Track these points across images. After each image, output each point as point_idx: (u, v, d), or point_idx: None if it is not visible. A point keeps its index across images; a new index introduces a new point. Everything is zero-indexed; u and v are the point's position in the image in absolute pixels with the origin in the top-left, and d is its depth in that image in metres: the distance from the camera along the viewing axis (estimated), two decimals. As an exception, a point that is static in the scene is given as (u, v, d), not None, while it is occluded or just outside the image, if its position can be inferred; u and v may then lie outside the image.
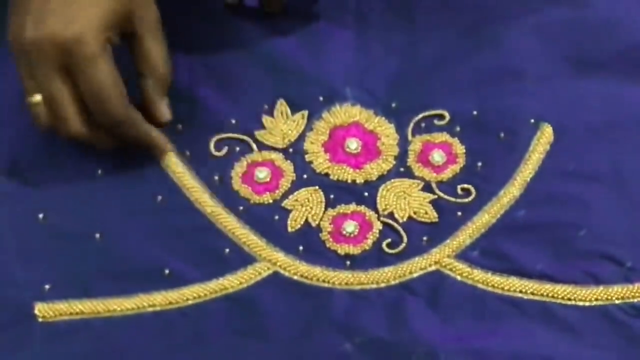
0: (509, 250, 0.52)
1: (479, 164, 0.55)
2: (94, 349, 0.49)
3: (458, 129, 0.57)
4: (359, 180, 0.55)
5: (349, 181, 0.55)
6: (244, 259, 0.52)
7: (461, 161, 0.55)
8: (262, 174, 0.55)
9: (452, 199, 0.54)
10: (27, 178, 0.55)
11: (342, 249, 0.52)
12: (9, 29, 0.51)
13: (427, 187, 0.55)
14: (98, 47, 0.50)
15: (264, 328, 0.49)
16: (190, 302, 0.51)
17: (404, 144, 0.56)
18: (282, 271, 0.52)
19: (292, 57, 0.60)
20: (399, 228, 0.53)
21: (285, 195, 0.54)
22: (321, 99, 0.58)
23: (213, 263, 0.52)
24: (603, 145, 0.55)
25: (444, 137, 0.56)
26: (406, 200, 0.54)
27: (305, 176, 0.55)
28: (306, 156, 0.56)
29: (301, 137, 0.57)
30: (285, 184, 0.55)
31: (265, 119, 0.57)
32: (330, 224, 0.53)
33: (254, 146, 0.56)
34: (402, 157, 0.56)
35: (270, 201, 0.54)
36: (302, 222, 0.53)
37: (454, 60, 0.59)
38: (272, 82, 0.59)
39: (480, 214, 0.53)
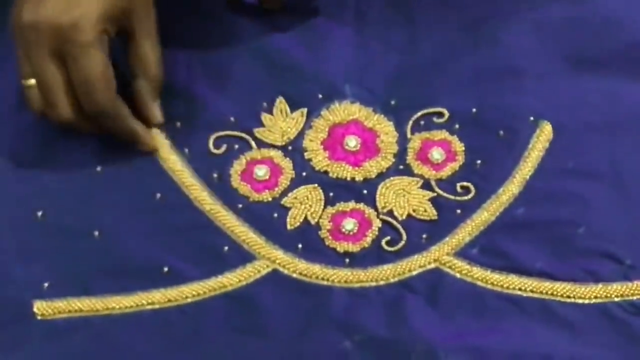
0: (508, 248, 0.52)
1: (478, 161, 0.55)
2: (93, 347, 0.49)
3: (457, 126, 0.57)
4: (358, 178, 0.55)
5: (348, 179, 0.55)
6: (243, 256, 0.52)
7: (460, 159, 0.55)
8: (261, 171, 0.55)
9: (452, 197, 0.54)
10: (25, 175, 0.55)
11: (342, 246, 0.52)
12: (12, 12, 0.52)
13: (426, 185, 0.55)
14: (93, 35, 0.51)
15: (263, 326, 0.49)
16: (189, 300, 0.50)
17: (403, 141, 0.56)
18: (281, 269, 0.52)
19: (291, 54, 0.60)
20: (398, 226, 0.53)
21: (284, 193, 0.54)
22: (320, 96, 0.58)
23: (212, 261, 0.52)
24: (602, 143, 0.55)
25: (443, 134, 0.56)
26: (405, 198, 0.54)
27: (304, 174, 0.55)
28: (305, 154, 0.56)
29: (300, 135, 0.57)
30: (284, 181, 0.55)
31: (264, 117, 0.57)
32: (329, 221, 0.53)
33: (253, 144, 0.56)
34: (401, 154, 0.56)
35: (270, 199, 0.54)
36: (301, 220, 0.53)
37: (453, 58, 0.59)
38: (271, 80, 0.58)
39: (479, 212, 0.53)
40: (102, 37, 0.51)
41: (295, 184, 0.55)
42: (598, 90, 0.58)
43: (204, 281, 0.51)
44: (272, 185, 0.55)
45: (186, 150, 0.56)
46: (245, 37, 0.60)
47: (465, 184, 0.54)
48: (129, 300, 0.50)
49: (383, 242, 0.52)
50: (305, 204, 0.54)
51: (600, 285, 0.50)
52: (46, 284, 0.51)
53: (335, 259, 0.52)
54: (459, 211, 0.53)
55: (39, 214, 0.53)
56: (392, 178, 0.55)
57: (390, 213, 0.54)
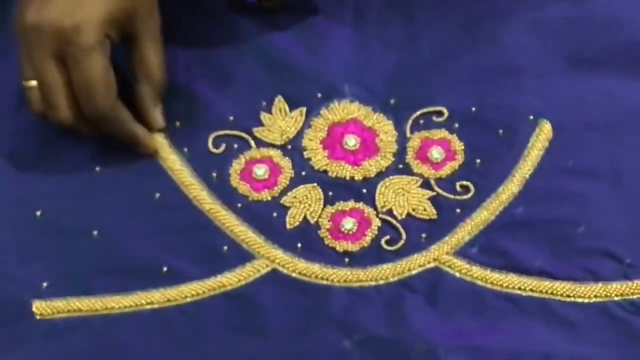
0: (507, 247, 0.52)
1: (478, 160, 0.55)
2: (92, 347, 0.49)
3: (457, 125, 0.57)
4: (358, 177, 0.55)
5: (348, 178, 0.55)
6: (243, 256, 0.52)
7: (460, 158, 0.55)
8: (261, 170, 0.55)
9: (451, 196, 0.54)
10: (24, 175, 0.55)
11: (341, 246, 0.52)
12: (16, 13, 0.52)
13: (425, 184, 0.55)
14: (95, 39, 0.50)
15: (262, 325, 0.49)
16: (188, 299, 0.50)
17: (402, 140, 0.56)
18: (280, 268, 0.52)
19: (291, 53, 0.59)
20: (398, 225, 0.53)
21: (283, 192, 0.54)
22: (319, 95, 0.58)
23: (211, 260, 0.52)
24: (602, 142, 0.55)
25: (442, 133, 0.56)
26: (405, 197, 0.54)
27: (303, 173, 0.55)
28: (304, 153, 0.56)
29: (299, 134, 0.57)
30: (283, 181, 0.55)
31: (264, 116, 0.57)
32: (328, 221, 0.53)
33: (252, 143, 0.56)
34: (400, 153, 0.56)
35: (269, 198, 0.54)
36: (300, 219, 0.53)
37: (452, 57, 0.59)
38: (270, 79, 0.58)
39: (479, 211, 0.53)
40: (104, 41, 0.51)
41: (294, 183, 0.55)
42: (597, 89, 0.58)
43: (203, 281, 0.51)
44: (272, 184, 0.55)
45: (185, 149, 0.56)
46: (244, 36, 0.60)
47: (464, 183, 0.54)
48: (128, 300, 0.50)
49: (382, 242, 0.52)
50: (305, 203, 0.54)
51: (600, 285, 0.50)
52: (45, 284, 0.51)
53: (335, 258, 0.52)
54: (458, 210, 0.53)
55: (38, 213, 0.53)
56: (391, 177, 0.55)
57: (389, 212, 0.54)
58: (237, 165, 0.55)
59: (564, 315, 0.50)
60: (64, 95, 0.52)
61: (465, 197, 0.54)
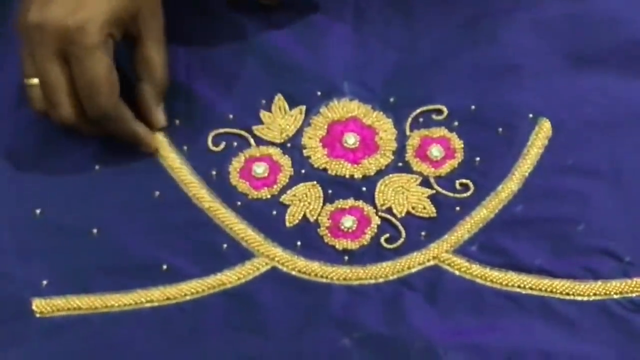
0: (507, 245, 0.52)
1: (477, 159, 0.55)
2: (92, 345, 0.49)
3: (456, 123, 0.57)
4: (357, 175, 0.55)
5: (347, 176, 0.55)
6: (242, 254, 0.52)
7: (459, 156, 0.55)
8: (260, 169, 0.55)
9: (451, 194, 0.54)
10: (24, 173, 0.55)
11: (341, 244, 0.52)
12: (18, 12, 0.52)
13: (425, 182, 0.55)
14: (98, 39, 0.50)
15: (262, 323, 0.49)
16: (188, 297, 0.50)
17: (402, 138, 0.56)
18: (280, 266, 0.52)
19: (290, 52, 0.59)
20: (397, 223, 0.53)
21: (283, 191, 0.54)
22: (319, 94, 0.58)
23: (211, 258, 0.52)
24: (601, 140, 0.55)
25: (442, 132, 0.56)
26: (404, 195, 0.54)
27: (303, 171, 0.55)
28: (304, 151, 0.56)
29: (299, 132, 0.57)
30: (283, 179, 0.55)
31: (263, 114, 0.57)
32: (328, 219, 0.53)
33: (252, 141, 0.56)
34: (400, 152, 0.56)
35: (268, 196, 0.54)
36: (300, 217, 0.53)
37: (452, 55, 0.59)
38: (269, 77, 0.58)
39: (478, 209, 0.53)
40: (107, 40, 0.51)
41: (294, 181, 0.55)
42: (597, 87, 0.58)
43: (203, 279, 0.51)
44: (271, 182, 0.55)
45: (185, 147, 0.56)
46: (244, 34, 0.60)
47: (464, 181, 0.54)
48: (127, 298, 0.50)
49: (382, 240, 0.52)
50: (304, 202, 0.54)
51: (599, 283, 0.50)
52: (45, 282, 0.51)
53: (334, 256, 0.52)
54: (458, 208, 0.53)
55: (38, 212, 0.53)
56: (391, 175, 0.55)
57: (389, 210, 0.54)
58: (236, 164, 0.55)
59: (563, 314, 0.50)
60: (66, 94, 0.51)
61: (464, 195, 0.54)
